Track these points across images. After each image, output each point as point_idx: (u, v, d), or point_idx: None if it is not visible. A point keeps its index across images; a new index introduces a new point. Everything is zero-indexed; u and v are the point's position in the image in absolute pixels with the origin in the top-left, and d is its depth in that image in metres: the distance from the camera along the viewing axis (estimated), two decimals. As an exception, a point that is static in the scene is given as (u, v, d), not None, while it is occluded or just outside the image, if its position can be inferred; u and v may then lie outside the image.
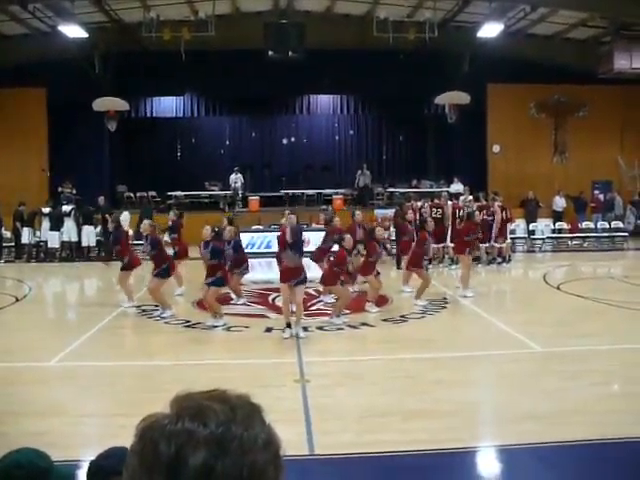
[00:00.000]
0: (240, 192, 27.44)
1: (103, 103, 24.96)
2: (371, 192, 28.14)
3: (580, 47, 26.70)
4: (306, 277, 11.66)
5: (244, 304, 14.59)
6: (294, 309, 11.72)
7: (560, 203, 26.68)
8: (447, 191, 23.91)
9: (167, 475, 1.13)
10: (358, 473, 6.33)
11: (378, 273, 13.84)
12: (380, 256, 14.03)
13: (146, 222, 14.42)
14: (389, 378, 9.15)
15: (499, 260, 20.51)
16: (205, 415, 1.17)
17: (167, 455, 1.14)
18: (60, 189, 24.55)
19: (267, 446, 1.19)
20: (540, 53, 26.51)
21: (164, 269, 13.55)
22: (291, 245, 11.52)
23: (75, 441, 6.91)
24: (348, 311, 13.33)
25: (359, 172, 28.77)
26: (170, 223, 16.21)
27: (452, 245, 20.04)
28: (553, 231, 25.88)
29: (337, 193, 27.29)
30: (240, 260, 14.55)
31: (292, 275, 11.45)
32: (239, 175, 27.85)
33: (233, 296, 14.79)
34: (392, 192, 27.81)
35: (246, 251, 17.85)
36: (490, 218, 20.06)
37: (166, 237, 15.61)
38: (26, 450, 2.62)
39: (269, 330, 12.02)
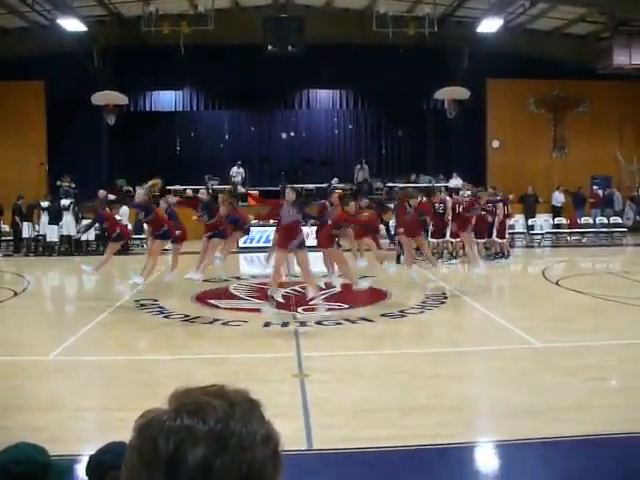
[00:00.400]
0: (239, 186, 27.36)
1: (102, 97, 24.95)
2: (370, 187, 28.12)
3: (579, 43, 26.71)
4: (304, 240, 11.69)
5: (240, 297, 14.63)
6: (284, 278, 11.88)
7: (559, 198, 26.70)
8: (445, 186, 23.87)
9: (166, 471, 1.13)
10: (356, 468, 6.33)
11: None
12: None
13: (140, 192, 14.54)
14: (387, 373, 9.16)
15: (501, 255, 20.50)
16: (204, 411, 1.17)
17: (166, 451, 1.14)
18: (59, 183, 24.55)
19: (266, 442, 1.19)
20: (539, 48, 26.51)
21: (165, 231, 13.89)
22: (291, 205, 11.61)
23: (74, 436, 6.91)
24: (347, 305, 13.34)
25: (358, 167, 28.75)
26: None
27: (452, 240, 20.08)
28: (552, 226, 25.91)
29: (336, 188, 27.21)
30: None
31: (290, 236, 11.39)
32: (240, 169, 27.81)
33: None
34: (391, 187, 27.77)
35: (245, 246, 17.94)
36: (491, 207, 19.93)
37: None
38: (24, 445, 2.63)
39: (268, 325, 12.02)
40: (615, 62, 24.78)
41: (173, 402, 1.21)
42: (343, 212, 12.85)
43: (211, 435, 1.14)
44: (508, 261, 20.54)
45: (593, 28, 25.89)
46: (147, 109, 29.76)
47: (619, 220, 26.42)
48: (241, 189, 27.15)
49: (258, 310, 12.86)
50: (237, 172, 27.72)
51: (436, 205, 19.15)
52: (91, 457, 2.83)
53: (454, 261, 19.71)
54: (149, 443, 1.16)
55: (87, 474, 2.84)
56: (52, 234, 22.56)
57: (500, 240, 20.40)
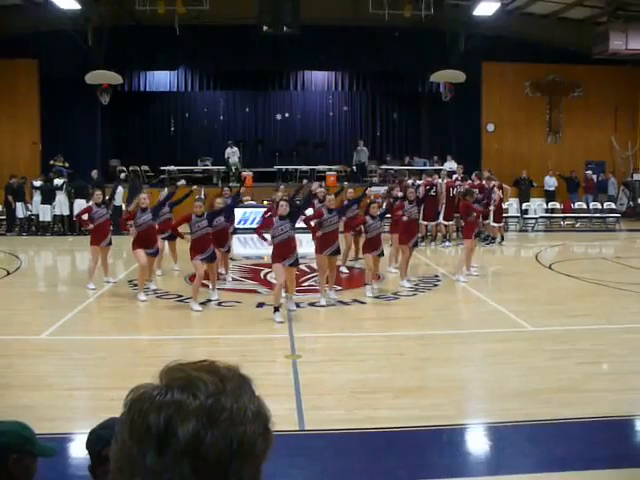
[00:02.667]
0: (233, 167, 27.22)
1: (96, 76, 24.77)
2: (364, 169, 28.08)
3: (576, 27, 26.62)
4: (298, 259, 11.46)
5: (233, 278, 14.62)
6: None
7: (551, 182, 26.71)
8: (443, 169, 23.80)
9: (157, 446, 1.13)
10: (348, 449, 6.36)
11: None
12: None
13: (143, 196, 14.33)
14: (380, 355, 9.18)
15: (499, 240, 20.47)
16: (195, 386, 1.17)
17: (156, 426, 1.14)
18: (52, 162, 24.41)
19: (257, 418, 1.19)
20: (536, 32, 26.40)
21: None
22: (285, 216, 11.33)
23: (63, 414, 6.93)
24: (340, 287, 13.38)
25: (358, 148, 28.67)
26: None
27: (446, 223, 20.08)
28: (546, 211, 25.95)
29: (330, 170, 27.18)
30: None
31: (286, 253, 11.21)
32: (235, 149, 27.66)
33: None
34: (386, 169, 27.71)
35: (239, 227, 17.86)
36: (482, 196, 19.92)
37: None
38: (8, 421, 2.63)
39: (261, 305, 12.04)
40: (611, 47, 24.69)
41: (164, 377, 1.20)
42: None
43: (202, 410, 1.14)
44: (501, 245, 20.48)
45: (590, 12, 25.76)
46: (141, 89, 29.54)
47: (613, 205, 26.44)
48: (235, 168, 27.01)
49: (252, 291, 12.82)
50: (232, 152, 27.59)
51: (428, 188, 19.12)
52: (91, 431, 2.84)
53: (448, 244, 19.72)
54: (140, 418, 1.15)
55: (87, 448, 2.86)
56: (45, 214, 22.49)
57: (497, 224, 20.38)
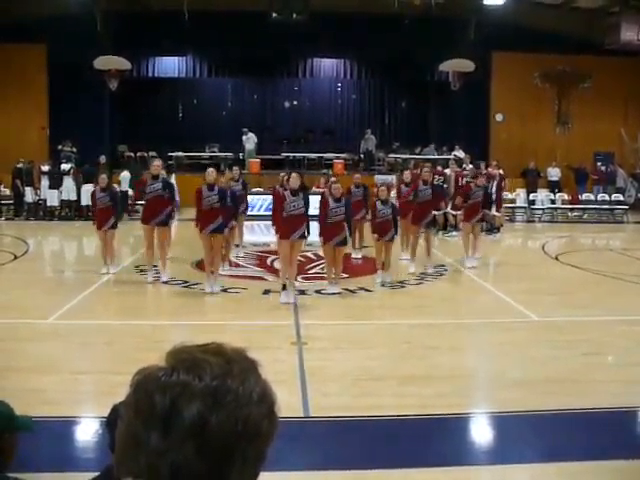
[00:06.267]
0: (245, 153, 27.22)
1: (105, 62, 24.75)
2: (372, 158, 28.03)
3: (588, 17, 26.42)
4: (305, 232, 11.41)
5: (240, 264, 14.63)
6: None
7: (553, 173, 26.67)
8: (454, 158, 23.69)
9: (162, 426, 1.14)
10: (353, 436, 6.38)
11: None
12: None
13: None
14: (385, 343, 9.20)
15: (495, 229, 20.39)
16: (200, 368, 1.18)
17: (162, 407, 1.15)
18: (60, 147, 24.44)
19: (262, 400, 1.20)
20: (547, 22, 26.24)
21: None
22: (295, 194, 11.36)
23: (69, 398, 6.97)
24: (347, 275, 13.34)
25: (366, 136, 28.61)
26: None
27: (454, 213, 20.00)
28: (552, 201, 25.88)
29: (338, 157, 27.13)
30: None
31: (294, 228, 11.23)
32: (250, 135, 27.66)
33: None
34: (395, 158, 27.64)
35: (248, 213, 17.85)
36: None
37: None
38: None
39: (267, 292, 12.05)
40: (623, 38, 24.57)
41: (170, 359, 1.21)
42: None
43: (207, 391, 1.15)
44: (498, 236, 20.20)
45: (602, 2, 25.59)
46: (150, 75, 29.54)
47: (621, 197, 26.36)
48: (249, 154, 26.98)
49: (258, 278, 12.81)
50: (246, 139, 27.60)
51: (436, 177, 19.03)
52: (113, 407, 2.86)
53: (454, 233, 19.66)
54: (145, 398, 1.16)
55: (107, 425, 2.90)
56: (52, 198, 22.52)
57: (498, 214, 20.23)
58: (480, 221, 16.07)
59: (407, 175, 16.25)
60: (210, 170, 12.30)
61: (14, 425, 2.59)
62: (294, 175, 11.63)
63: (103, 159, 22.95)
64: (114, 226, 13.82)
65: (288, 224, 11.32)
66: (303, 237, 11.47)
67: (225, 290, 12.22)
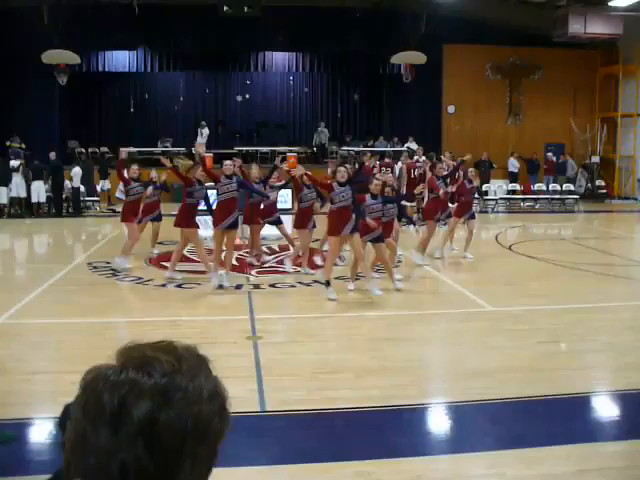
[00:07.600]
0: (197, 148, 26.90)
1: (53, 56, 24.34)
2: (325, 150, 28.06)
3: (537, 10, 26.75)
4: (357, 224, 11.05)
5: (194, 260, 14.50)
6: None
7: (515, 164, 27.06)
8: (407, 149, 23.77)
9: (111, 426, 1.12)
10: (310, 430, 6.37)
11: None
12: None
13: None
14: (341, 336, 9.20)
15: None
16: (150, 365, 1.15)
17: (110, 406, 1.12)
18: (8, 143, 23.97)
19: (213, 397, 1.18)
20: (497, 15, 26.54)
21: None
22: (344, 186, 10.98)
23: (22, 399, 6.84)
24: (313, 272, 13.27)
25: (319, 129, 28.62)
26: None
27: (408, 204, 20.00)
28: (513, 192, 26.24)
29: (291, 151, 27.08)
30: None
31: (344, 221, 10.88)
32: (205, 129, 27.43)
33: None
34: (348, 151, 27.69)
35: (200, 208, 17.65)
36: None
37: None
38: None
39: (221, 287, 11.97)
40: (570, 31, 24.95)
41: (120, 357, 1.20)
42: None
43: (156, 389, 1.13)
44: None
45: (550, -4, 25.98)
46: (100, 69, 29.16)
47: (571, 187, 26.82)
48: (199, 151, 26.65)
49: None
50: (199, 133, 27.39)
51: (383, 169, 19.10)
52: (65, 407, 2.80)
53: (412, 227, 19.70)
54: (94, 398, 1.14)
55: (59, 424, 2.84)
56: (1, 196, 22.08)
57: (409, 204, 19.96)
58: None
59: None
60: (228, 162, 12.00)
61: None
62: (342, 169, 11.17)
63: (53, 155, 22.57)
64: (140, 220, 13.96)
65: (337, 218, 10.91)
66: (355, 230, 11.03)
67: (179, 286, 12.12)
